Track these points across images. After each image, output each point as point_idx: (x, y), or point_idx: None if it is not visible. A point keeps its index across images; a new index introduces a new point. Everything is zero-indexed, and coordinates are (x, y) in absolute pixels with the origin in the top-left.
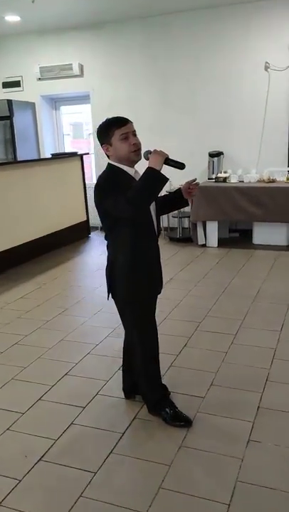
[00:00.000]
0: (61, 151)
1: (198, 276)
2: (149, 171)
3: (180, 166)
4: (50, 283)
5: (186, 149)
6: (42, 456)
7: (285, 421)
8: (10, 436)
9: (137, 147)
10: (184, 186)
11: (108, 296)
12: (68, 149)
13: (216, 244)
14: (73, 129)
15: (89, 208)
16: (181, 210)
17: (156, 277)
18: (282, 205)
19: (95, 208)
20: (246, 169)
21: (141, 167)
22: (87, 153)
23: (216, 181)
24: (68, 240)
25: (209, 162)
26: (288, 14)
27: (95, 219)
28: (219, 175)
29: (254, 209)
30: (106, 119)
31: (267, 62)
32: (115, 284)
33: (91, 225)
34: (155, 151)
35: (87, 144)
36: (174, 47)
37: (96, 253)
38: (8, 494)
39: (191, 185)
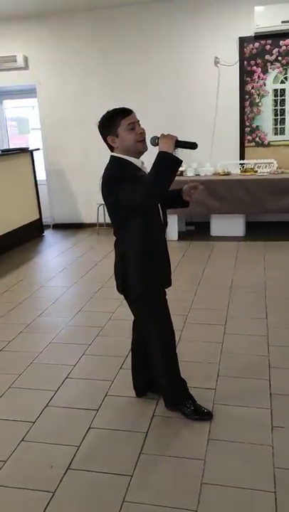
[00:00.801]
0: (5, 147)
1: None
2: (162, 155)
3: (192, 146)
4: (18, 285)
5: None
6: (69, 465)
7: None
8: (27, 448)
9: (143, 136)
10: (186, 189)
11: (120, 292)
12: (12, 145)
13: (176, 238)
14: (18, 124)
15: (41, 205)
16: None
17: (167, 270)
18: (239, 197)
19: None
20: (200, 163)
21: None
22: (38, 149)
23: None
24: (22, 239)
25: None
26: (237, 10)
27: (48, 217)
28: None
29: (213, 202)
30: (108, 111)
31: (216, 57)
32: (128, 279)
33: (44, 223)
34: (163, 135)
35: (33, 140)
36: (124, 40)
37: (55, 252)
38: (45, 508)
39: (193, 189)
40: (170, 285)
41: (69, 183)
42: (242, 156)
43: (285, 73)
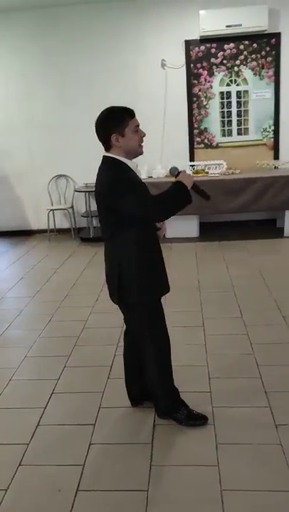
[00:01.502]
0: None
1: None
2: (182, 186)
3: (206, 196)
4: None
5: (89, 147)
6: (78, 486)
7: None
8: (27, 473)
9: (143, 140)
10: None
11: (114, 300)
12: None
13: None
14: None
15: None
16: (92, 209)
17: (164, 275)
18: (193, 198)
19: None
20: (151, 165)
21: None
22: None
23: None
24: None
25: None
26: (183, 13)
27: None
28: None
29: None
30: (113, 107)
31: (164, 60)
32: (125, 286)
33: None
34: (184, 171)
35: None
36: (69, 40)
37: (7, 261)
38: None
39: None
40: (168, 291)
41: (14, 188)
42: (192, 158)
43: (230, 76)
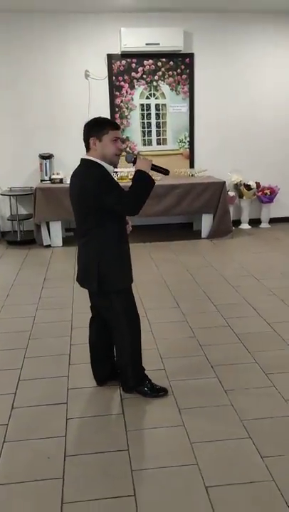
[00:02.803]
0: None
1: (69, 275)
2: (142, 174)
3: (165, 171)
4: None
5: (13, 151)
6: (65, 453)
7: (245, 369)
8: (13, 448)
9: (120, 152)
10: None
11: (91, 290)
12: None
13: (60, 244)
14: None
15: None
16: (19, 212)
17: (131, 267)
18: None
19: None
20: None
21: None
22: None
23: (52, 182)
24: None
25: (41, 164)
26: (105, 29)
27: None
28: (53, 176)
29: None
30: (101, 117)
31: (87, 71)
32: (105, 276)
33: None
34: (139, 156)
35: None
36: None
37: None
38: (62, 491)
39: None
40: (132, 281)
41: None
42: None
43: (150, 90)
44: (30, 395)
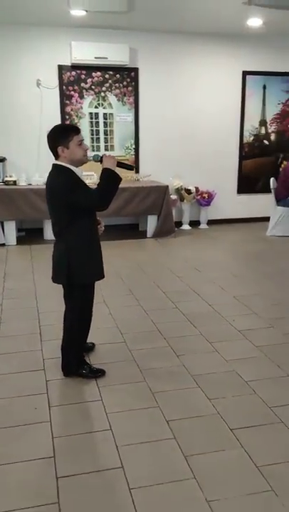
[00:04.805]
0: None
1: (28, 270)
2: (110, 171)
3: (130, 167)
4: None
5: None
6: (49, 404)
7: (192, 339)
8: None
9: (87, 152)
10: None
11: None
12: None
13: (14, 243)
14: None
15: None
16: None
17: (101, 263)
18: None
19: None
20: (30, 174)
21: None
22: None
23: (6, 184)
24: None
25: None
26: (56, 41)
27: None
28: (7, 178)
29: (46, 207)
30: (59, 125)
31: (39, 80)
32: (73, 270)
33: None
34: (105, 155)
35: None
36: None
37: None
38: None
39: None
40: (104, 277)
41: None
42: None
43: (98, 100)
44: (8, 388)
